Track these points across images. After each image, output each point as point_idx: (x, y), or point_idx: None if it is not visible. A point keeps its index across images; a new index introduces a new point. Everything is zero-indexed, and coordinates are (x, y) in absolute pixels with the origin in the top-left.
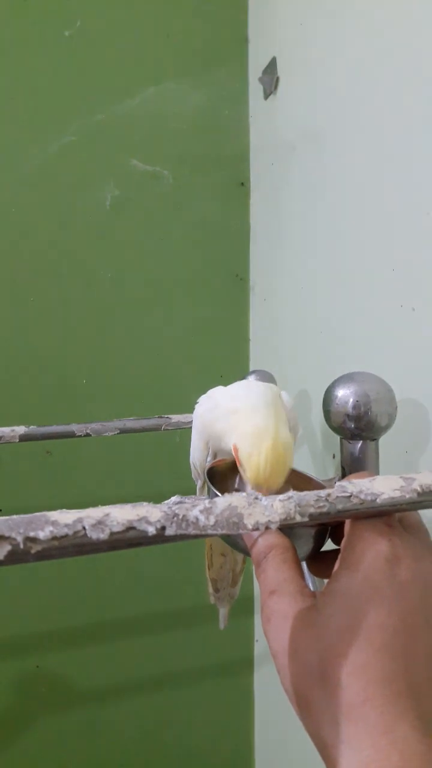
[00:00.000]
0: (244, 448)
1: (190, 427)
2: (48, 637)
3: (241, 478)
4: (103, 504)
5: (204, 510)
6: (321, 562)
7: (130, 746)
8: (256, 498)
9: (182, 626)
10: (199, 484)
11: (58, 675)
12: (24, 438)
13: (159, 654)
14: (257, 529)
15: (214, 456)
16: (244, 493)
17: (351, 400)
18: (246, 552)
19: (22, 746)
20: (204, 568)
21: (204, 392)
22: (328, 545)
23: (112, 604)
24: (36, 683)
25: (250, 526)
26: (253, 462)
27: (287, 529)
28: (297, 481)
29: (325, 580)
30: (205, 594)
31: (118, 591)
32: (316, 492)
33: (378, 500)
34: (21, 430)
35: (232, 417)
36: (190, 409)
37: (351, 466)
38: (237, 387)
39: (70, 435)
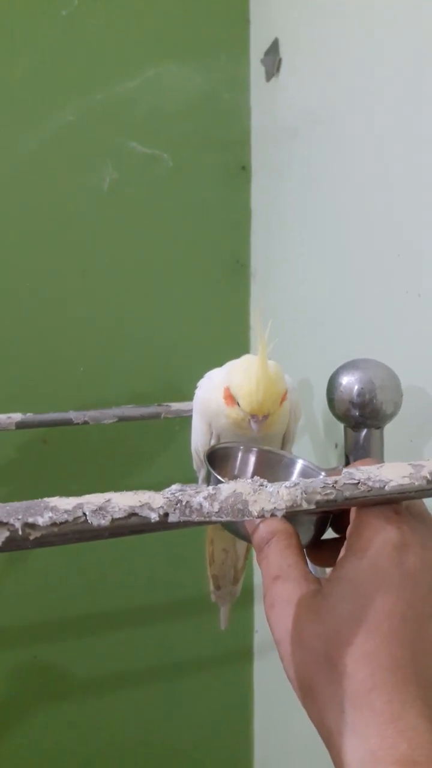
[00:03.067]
0: (235, 381)
1: (190, 416)
2: (45, 627)
3: (242, 462)
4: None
5: (208, 496)
6: (321, 551)
7: (128, 737)
8: (261, 485)
9: (181, 616)
10: (201, 474)
11: (56, 666)
12: (20, 425)
13: (158, 644)
14: (263, 516)
15: (217, 440)
16: (248, 480)
17: (356, 387)
18: (247, 539)
19: (18, 737)
20: (205, 564)
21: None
22: (328, 534)
23: (111, 594)
24: (33, 674)
25: (255, 513)
26: (245, 389)
27: (289, 515)
28: None
29: (327, 569)
30: (205, 584)
31: (117, 581)
32: (322, 479)
33: (386, 487)
34: (17, 417)
35: (221, 387)
36: (190, 397)
37: (355, 454)
38: (234, 362)
39: (68, 422)
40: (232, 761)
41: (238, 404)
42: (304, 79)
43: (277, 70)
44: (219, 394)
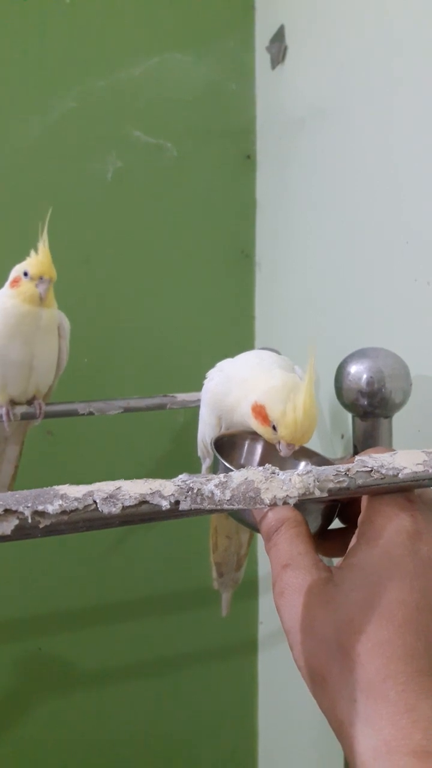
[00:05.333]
0: (274, 404)
1: (196, 406)
2: (50, 619)
3: (248, 451)
4: None
5: (219, 484)
6: (328, 541)
7: (132, 730)
8: (273, 472)
9: (186, 608)
10: (206, 464)
11: (60, 658)
12: (26, 417)
13: (162, 637)
14: (275, 504)
15: (226, 430)
16: (260, 468)
17: (364, 376)
18: (254, 528)
19: (23, 729)
20: (208, 552)
21: (209, 370)
22: (335, 524)
23: (115, 586)
24: (38, 666)
25: (267, 501)
26: (289, 418)
27: (298, 504)
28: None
29: (334, 560)
30: (209, 576)
31: (121, 573)
32: (335, 466)
33: (400, 475)
34: (22, 408)
35: (245, 384)
36: (195, 388)
37: (363, 444)
38: (247, 356)
39: (73, 413)
40: (236, 753)
41: (273, 427)
42: (310, 67)
43: (283, 57)
44: (243, 403)
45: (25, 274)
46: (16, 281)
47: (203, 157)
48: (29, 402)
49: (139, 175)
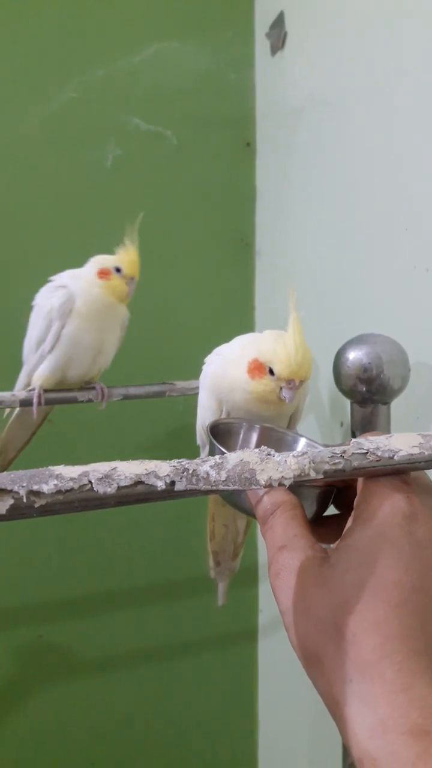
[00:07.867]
0: (265, 347)
1: (195, 394)
2: (51, 607)
3: (244, 439)
4: None
5: (215, 465)
6: (323, 527)
7: (132, 717)
8: (269, 454)
9: (186, 596)
10: (205, 452)
11: (61, 645)
12: (24, 403)
13: (162, 624)
14: (270, 485)
15: (227, 416)
16: (256, 449)
17: (363, 362)
18: (250, 513)
19: (24, 716)
20: (205, 541)
21: None
22: (330, 510)
23: (116, 574)
24: (38, 653)
25: (262, 482)
26: (280, 354)
27: (293, 488)
28: None
29: (330, 546)
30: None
31: (122, 561)
32: (330, 448)
33: (396, 457)
34: (21, 395)
35: (241, 360)
36: (194, 376)
37: (362, 431)
38: (242, 337)
39: (73, 401)
40: (236, 740)
41: (269, 373)
42: (311, 53)
43: (283, 44)
44: (239, 369)
45: (118, 270)
46: (105, 273)
47: (203, 145)
48: (86, 384)
49: (139, 163)
